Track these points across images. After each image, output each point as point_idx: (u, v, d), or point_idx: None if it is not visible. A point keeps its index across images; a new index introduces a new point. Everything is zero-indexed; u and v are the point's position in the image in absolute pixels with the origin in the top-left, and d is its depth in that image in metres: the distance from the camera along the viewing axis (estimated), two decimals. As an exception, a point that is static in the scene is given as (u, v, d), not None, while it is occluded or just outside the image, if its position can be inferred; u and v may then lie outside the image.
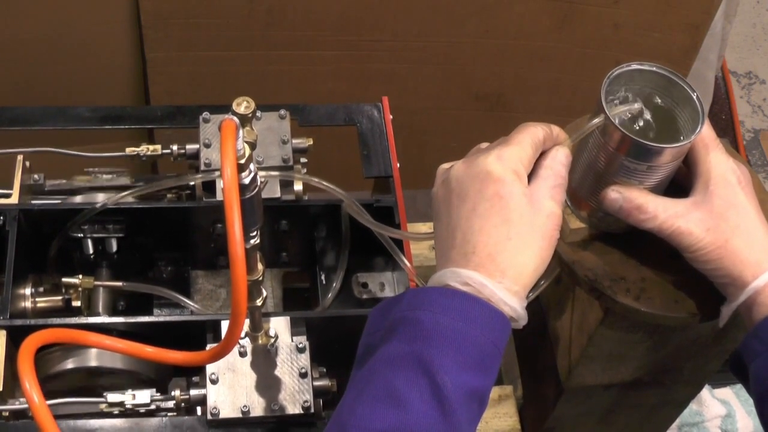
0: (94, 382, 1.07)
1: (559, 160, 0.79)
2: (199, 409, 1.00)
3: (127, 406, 1.00)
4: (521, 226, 0.74)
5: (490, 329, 0.72)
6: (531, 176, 0.78)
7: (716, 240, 0.80)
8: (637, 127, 0.82)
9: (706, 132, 0.81)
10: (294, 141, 1.16)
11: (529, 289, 0.75)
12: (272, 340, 1.01)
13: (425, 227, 1.25)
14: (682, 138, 0.81)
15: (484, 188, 0.75)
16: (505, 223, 0.74)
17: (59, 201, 1.16)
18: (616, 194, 0.81)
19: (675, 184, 0.85)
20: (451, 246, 0.75)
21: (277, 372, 0.99)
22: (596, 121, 0.79)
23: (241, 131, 0.72)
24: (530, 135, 0.78)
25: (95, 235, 1.14)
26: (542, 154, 0.79)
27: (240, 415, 0.97)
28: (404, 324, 0.72)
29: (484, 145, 0.82)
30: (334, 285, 1.16)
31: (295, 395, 0.98)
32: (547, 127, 0.79)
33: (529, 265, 0.74)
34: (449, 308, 0.71)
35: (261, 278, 0.89)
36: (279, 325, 1.03)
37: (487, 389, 0.73)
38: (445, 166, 0.82)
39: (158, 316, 1.15)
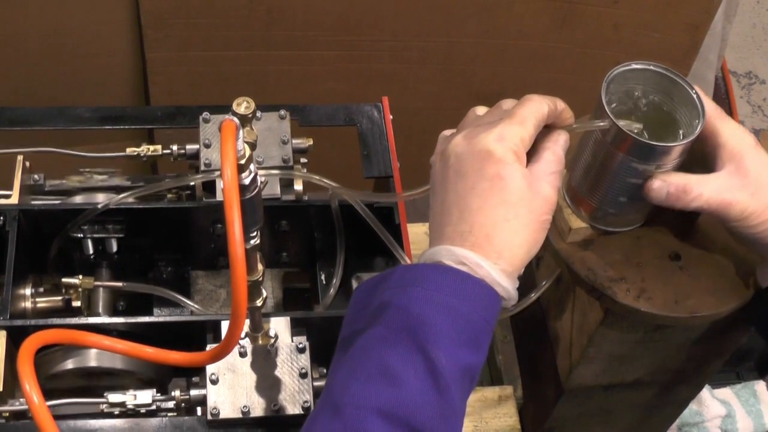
0: (94, 382, 1.07)
1: (561, 144, 0.78)
2: (199, 410, 1.00)
3: (129, 407, 1.00)
4: (519, 208, 0.74)
5: (483, 306, 0.72)
6: (530, 154, 0.77)
7: (763, 202, 0.80)
8: (637, 127, 0.82)
9: (711, 106, 0.82)
10: (294, 141, 1.16)
11: (520, 270, 0.75)
12: (272, 341, 1.01)
13: (425, 228, 1.25)
14: (682, 134, 0.81)
15: (485, 168, 0.74)
16: (503, 204, 0.73)
17: (59, 201, 1.16)
18: (660, 182, 0.81)
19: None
20: (446, 222, 0.75)
21: (278, 372, 0.99)
22: (601, 123, 0.79)
23: (241, 132, 0.72)
24: (534, 112, 0.77)
25: (95, 236, 1.14)
26: (544, 132, 0.79)
27: (240, 416, 0.97)
28: (396, 300, 0.72)
29: (480, 110, 0.81)
30: (333, 283, 1.16)
31: (296, 395, 0.98)
32: (551, 102, 0.79)
33: (524, 246, 0.74)
34: (443, 285, 0.71)
35: (261, 279, 0.89)
36: (279, 326, 1.03)
37: (479, 365, 0.73)
38: (446, 133, 0.81)
39: (158, 317, 1.15)
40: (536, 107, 0.77)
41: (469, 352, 0.71)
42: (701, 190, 0.80)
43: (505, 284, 0.73)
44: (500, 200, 0.73)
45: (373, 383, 0.69)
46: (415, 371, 0.69)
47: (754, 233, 0.82)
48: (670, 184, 0.80)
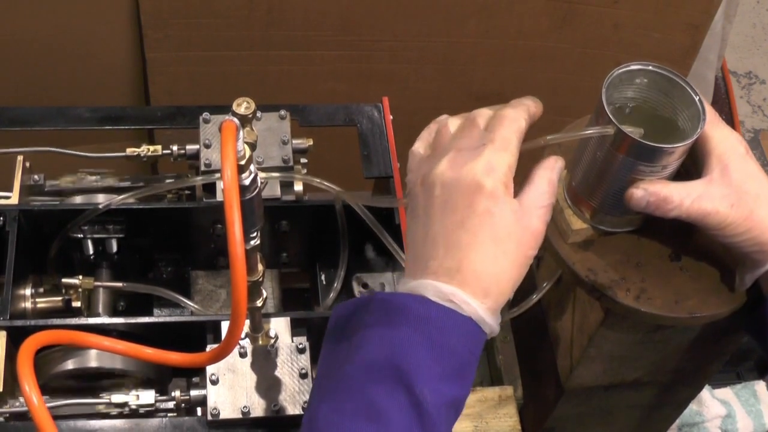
0: (94, 382, 1.07)
1: (557, 171, 0.77)
2: (199, 410, 1.00)
3: (131, 407, 1.00)
4: (508, 244, 0.72)
5: (466, 339, 0.71)
6: (522, 177, 0.76)
7: (742, 213, 0.80)
8: (637, 129, 0.82)
9: (707, 110, 0.81)
10: (294, 141, 1.16)
11: (504, 304, 0.74)
12: (272, 341, 1.01)
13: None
14: (682, 135, 0.81)
15: (475, 203, 0.72)
16: (493, 242, 0.72)
17: (59, 201, 1.16)
18: (642, 191, 0.80)
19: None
20: (431, 255, 0.73)
21: (278, 373, 0.99)
22: (604, 130, 0.79)
23: (241, 132, 0.72)
24: (516, 131, 0.74)
25: (95, 236, 1.14)
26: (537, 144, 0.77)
27: (240, 416, 0.97)
28: (379, 330, 0.71)
29: (452, 124, 0.78)
30: (335, 285, 1.16)
31: (296, 396, 0.98)
32: (526, 114, 0.77)
33: (510, 283, 0.73)
34: (428, 320, 0.70)
35: (261, 279, 0.89)
36: (279, 326, 1.03)
37: (465, 397, 0.72)
38: (420, 151, 0.79)
39: (158, 317, 1.15)
40: (516, 126, 0.75)
41: (454, 385, 0.70)
42: (682, 200, 0.80)
43: (491, 321, 0.72)
44: (490, 237, 0.72)
45: (357, 419, 0.68)
46: (399, 407, 0.68)
47: (733, 242, 0.82)
48: (651, 194, 0.80)
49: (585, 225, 0.88)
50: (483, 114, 0.77)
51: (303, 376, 0.99)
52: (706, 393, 1.56)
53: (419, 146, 0.79)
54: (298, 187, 1.14)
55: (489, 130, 0.75)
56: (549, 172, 0.76)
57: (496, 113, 0.76)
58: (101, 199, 1.14)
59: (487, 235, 0.72)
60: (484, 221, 0.72)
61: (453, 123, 0.78)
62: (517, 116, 0.75)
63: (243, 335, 1.00)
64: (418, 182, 0.76)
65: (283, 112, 1.18)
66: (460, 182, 0.73)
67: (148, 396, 1.00)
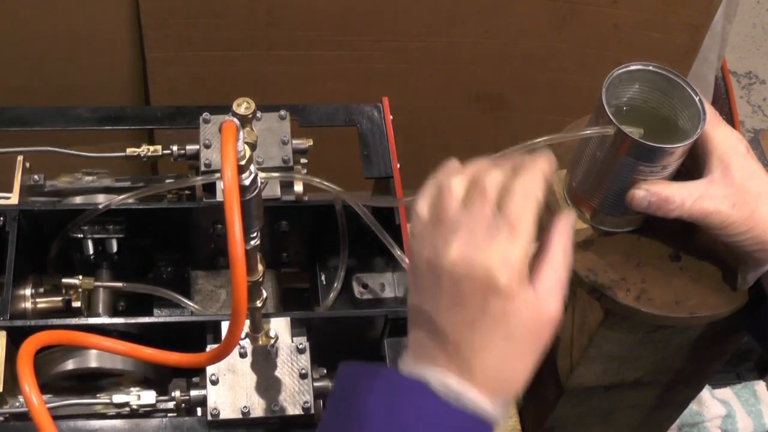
0: (94, 382, 1.07)
1: (569, 235, 0.71)
2: (199, 410, 1.00)
3: (133, 407, 1.00)
4: (524, 340, 0.67)
5: None
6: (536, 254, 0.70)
7: (743, 212, 0.80)
8: (638, 129, 0.82)
9: (707, 110, 0.81)
10: (294, 142, 1.16)
11: (515, 397, 0.70)
12: (272, 341, 1.01)
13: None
14: (683, 135, 0.81)
15: (489, 302, 0.66)
16: (506, 342, 0.67)
17: (59, 201, 1.16)
18: (643, 192, 0.80)
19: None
20: (439, 350, 0.68)
21: (278, 373, 0.99)
22: (605, 130, 0.79)
23: (241, 132, 0.72)
24: (532, 210, 0.67)
25: (95, 236, 1.14)
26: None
27: (240, 416, 0.97)
28: (382, 418, 0.66)
29: (458, 186, 0.69)
30: (335, 285, 1.16)
31: (296, 396, 0.98)
32: (542, 181, 0.69)
33: (525, 377, 0.69)
34: (432, 414, 0.66)
35: (261, 279, 0.89)
36: (279, 326, 1.03)
37: None
38: (424, 213, 0.70)
39: (158, 317, 1.15)
40: (532, 201, 0.67)
41: None
42: (683, 200, 0.80)
43: (501, 418, 0.68)
44: (503, 338, 0.66)
45: None
46: None
47: (735, 241, 0.82)
48: (652, 194, 0.80)
49: (585, 225, 0.88)
50: (494, 181, 0.69)
51: (303, 376, 0.99)
52: (706, 393, 1.56)
53: (423, 206, 0.71)
54: (298, 187, 1.14)
55: (502, 210, 0.67)
56: (563, 239, 0.70)
57: (510, 185, 0.68)
58: (101, 199, 1.14)
59: (500, 336, 0.67)
60: (498, 322, 0.66)
61: (458, 185, 0.70)
62: (532, 188, 0.68)
63: (243, 335, 1.00)
64: (424, 260, 0.69)
65: (283, 113, 1.18)
66: (471, 277, 0.66)
67: (148, 396, 1.00)
